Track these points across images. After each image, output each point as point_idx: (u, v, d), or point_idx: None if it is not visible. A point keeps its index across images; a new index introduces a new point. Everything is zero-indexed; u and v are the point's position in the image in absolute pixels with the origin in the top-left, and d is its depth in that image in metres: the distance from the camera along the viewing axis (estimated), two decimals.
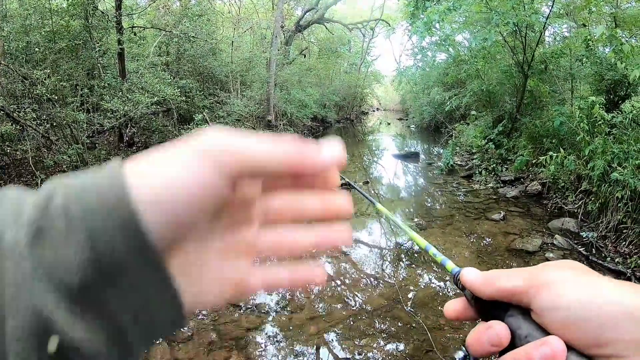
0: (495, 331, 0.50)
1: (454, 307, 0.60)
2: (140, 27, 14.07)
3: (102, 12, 11.53)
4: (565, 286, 0.47)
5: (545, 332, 0.48)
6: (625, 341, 0.43)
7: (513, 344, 0.50)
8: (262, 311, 5.22)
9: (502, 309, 0.52)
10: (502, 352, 0.50)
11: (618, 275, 6.10)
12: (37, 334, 0.31)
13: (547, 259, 6.65)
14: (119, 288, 0.34)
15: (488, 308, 0.55)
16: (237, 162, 0.38)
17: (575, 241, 7.30)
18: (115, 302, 0.34)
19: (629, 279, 5.93)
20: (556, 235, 7.48)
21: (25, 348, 0.31)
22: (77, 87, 10.43)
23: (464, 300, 0.59)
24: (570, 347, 0.46)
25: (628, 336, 0.43)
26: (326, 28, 29.52)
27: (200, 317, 5.03)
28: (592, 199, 7.91)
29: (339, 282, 6.13)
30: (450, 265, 0.64)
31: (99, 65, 11.08)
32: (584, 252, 6.82)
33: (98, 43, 10.96)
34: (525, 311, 0.51)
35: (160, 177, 0.36)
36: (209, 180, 0.37)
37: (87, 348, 0.33)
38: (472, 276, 0.56)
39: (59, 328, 0.32)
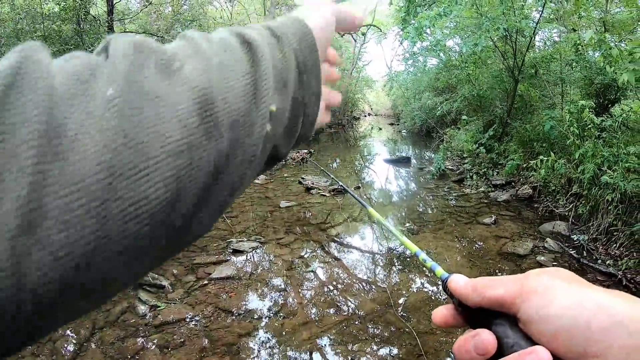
0: (481, 339, 0.50)
1: (442, 313, 0.61)
2: (132, 32, 14.01)
3: (94, 17, 11.51)
4: (552, 295, 0.48)
5: (532, 342, 0.48)
6: (615, 351, 0.42)
7: (500, 353, 0.49)
8: (254, 317, 5.21)
9: (489, 316, 0.52)
10: None
11: (609, 277, 6.15)
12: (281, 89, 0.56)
13: (539, 262, 6.70)
14: (302, 81, 0.60)
15: (476, 315, 0.55)
16: (341, 18, 0.74)
17: (566, 244, 7.34)
18: (300, 88, 0.60)
19: (620, 281, 5.97)
20: (547, 239, 7.52)
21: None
22: None
23: (452, 307, 0.59)
24: (557, 358, 0.45)
25: (617, 346, 0.42)
26: None
27: (192, 323, 5.01)
28: (583, 202, 7.96)
29: (331, 287, 6.13)
30: (439, 271, 0.65)
31: None
32: (575, 255, 6.85)
33: (90, 48, 10.91)
34: (512, 320, 0.50)
35: (319, 19, 0.67)
36: (333, 26, 0.71)
37: (282, 111, 0.56)
38: (460, 283, 0.58)
39: (273, 100, 0.53)
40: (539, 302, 0.48)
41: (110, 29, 11.22)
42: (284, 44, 0.58)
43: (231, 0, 21.45)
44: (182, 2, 15.77)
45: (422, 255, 0.71)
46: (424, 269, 6.70)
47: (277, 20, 0.64)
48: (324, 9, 0.70)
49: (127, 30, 14.02)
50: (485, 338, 0.50)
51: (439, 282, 0.66)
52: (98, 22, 11.29)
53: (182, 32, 0.53)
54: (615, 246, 6.78)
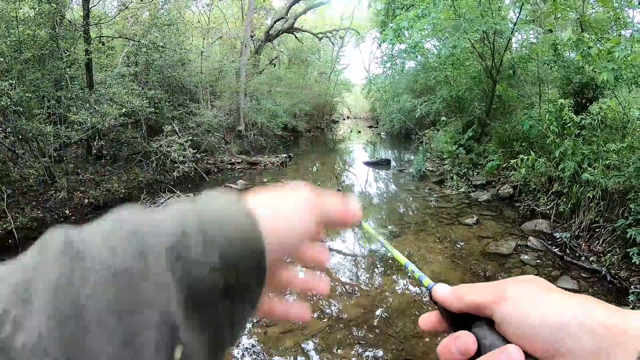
0: (462, 341, 0.53)
1: (428, 319, 0.63)
2: (109, 36, 13.80)
3: (70, 22, 11.29)
4: (524, 299, 0.51)
5: (507, 342, 0.51)
6: (579, 350, 0.46)
7: (479, 353, 0.52)
8: None
9: (470, 320, 0.56)
10: None
11: (593, 273, 6.17)
12: (169, 343, 0.36)
13: (522, 261, 6.71)
14: (231, 297, 0.42)
15: (458, 320, 0.57)
16: (324, 216, 0.56)
17: (549, 242, 7.35)
18: (223, 308, 0.42)
19: (604, 277, 5.99)
20: (530, 237, 7.53)
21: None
22: (44, 98, 10.13)
23: (437, 313, 0.62)
24: (529, 355, 0.49)
25: (581, 345, 0.46)
26: (296, 37, 29.57)
27: None
28: (564, 199, 7.99)
29: (314, 292, 6.03)
30: (426, 281, 0.66)
31: (66, 76, 10.78)
32: (558, 253, 6.87)
33: (65, 53, 10.66)
34: (490, 322, 0.53)
35: (280, 219, 0.50)
36: (309, 226, 0.53)
37: (193, 347, 0.38)
38: (443, 292, 0.60)
39: (181, 335, 0.37)
40: (511, 306, 0.51)
41: (86, 34, 11.01)
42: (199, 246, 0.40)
43: (209, 5, 21.29)
44: (159, 7, 15.62)
45: (411, 267, 0.71)
46: (408, 274, 6.65)
47: (210, 201, 0.46)
48: (296, 197, 0.54)
49: (103, 34, 13.82)
50: (465, 340, 0.53)
51: (425, 291, 0.71)
52: (74, 26, 11.08)
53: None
54: (598, 242, 6.81)
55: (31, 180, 9.17)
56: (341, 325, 5.16)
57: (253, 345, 4.81)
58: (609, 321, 0.46)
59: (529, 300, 0.51)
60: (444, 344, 0.55)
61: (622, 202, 6.54)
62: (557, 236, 7.47)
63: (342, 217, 0.58)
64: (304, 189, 0.56)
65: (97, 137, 11.60)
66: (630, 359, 0.44)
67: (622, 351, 0.44)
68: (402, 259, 0.74)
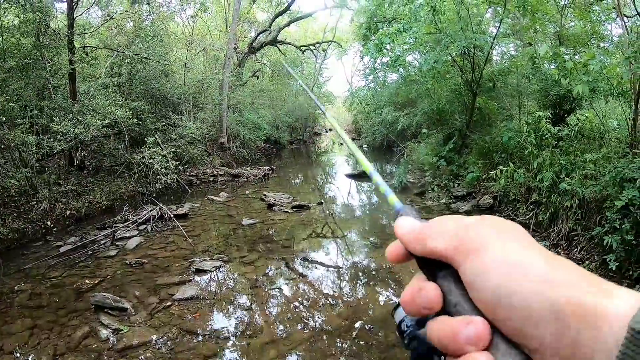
0: (426, 295, 0.49)
1: (394, 250, 0.56)
2: (93, 47, 13.74)
3: (54, 31, 11.23)
4: (490, 261, 0.44)
5: (473, 304, 0.46)
6: (546, 340, 0.40)
7: (444, 306, 0.49)
8: (220, 337, 5.09)
9: (436, 265, 0.50)
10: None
11: None
12: None
13: None
14: None
15: (423, 260, 0.52)
16: None
17: None
18: None
19: None
20: None
21: None
22: (27, 108, 10.05)
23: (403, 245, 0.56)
24: (496, 329, 0.44)
25: (549, 335, 0.40)
26: (279, 50, 29.64)
27: (157, 346, 4.86)
28: (543, 209, 8.12)
29: (297, 304, 6.06)
30: (392, 198, 0.60)
31: (49, 85, 10.73)
32: None
33: (49, 62, 10.61)
34: (457, 274, 0.48)
35: None
36: None
37: None
38: (405, 228, 0.54)
39: None
40: (476, 266, 0.45)
41: (71, 44, 10.96)
42: None
43: (193, 17, 21.30)
44: (144, 18, 15.61)
45: (376, 178, 0.65)
46: (390, 281, 6.71)
47: None
48: None
49: (87, 44, 13.76)
50: (430, 295, 0.49)
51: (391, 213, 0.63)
52: (58, 36, 11.03)
53: None
54: (577, 250, 6.93)
55: (12, 191, 9.08)
56: (324, 335, 5.18)
57: (236, 358, 4.81)
58: (582, 300, 0.39)
59: (490, 256, 0.45)
60: (408, 295, 0.51)
61: (599, 210, 6.66)
62: None
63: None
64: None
65: (79, 148, 11.53)
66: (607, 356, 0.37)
67: (598, 344, 0.38)
68: (368, 167, 0.69)
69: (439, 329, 0.47)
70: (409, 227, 0.54)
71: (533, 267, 0.43)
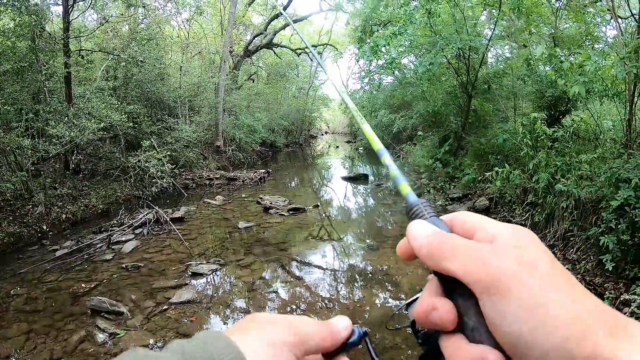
0: (441, 316, 0.47)
1: (403, 249, 0.54)
2: (88, 50, 13.68)
3: (50, 34, 11.18)
4: (514, 303, 0.42)
5: (491, 336, 0.44)
6: None
7: (459, 325, 0.47)
8: None
9: (453, 280, 0.47)
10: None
11: None
12: None
13: None
14: None
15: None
16: (303, 349, 0.49)
17: None
18: None
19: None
20: None
21: None
22: (22, 111, 10.00)
23: None
24: None
25: None
26: (274, 53, 29.70)
27: (154, 349, 4.82)
28: (539, 210, 8.14)
29: (294, 307, 6.06)
30: (405, 187, 0.58)
31: (45, 89, 10.70)
32: None
33: (45, 66, 10.55)
34: (474, 297, 0.45)
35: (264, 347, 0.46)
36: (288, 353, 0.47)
37: None
38: (419, 239, 0.51)
39: None
40: (498, 304, 0.42)
41: (66, 47, 10.94)
42: None
43: (188, 20, 21.30)
44: (139, 21, 15.58)
45: (386, 158, 0.63)
46: (387, 283, 6.71)
47: (195, 340, 0.44)
48: (271, 330, 0.49)
49: (83, 48, 13.72)
50: (444, 316, 0.47)
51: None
52: (54, 39, 10.99)
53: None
54: (573, 251, 6.94)
55: (8, 195, 9.05)
56: None
57: None
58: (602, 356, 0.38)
59: (522, 305, 0.41)
60: (421, 310, 0.49)
61: (595, 210, 6.68)
62: None
63: (327, 342, 0.52)
64: (273, 327, 0.49)
65: (75, 152, 11.48)
66: None
67: None
68: (376, 143, 0.67)
69: (455, 353, 0.46)
70: (424, 237, 0.50)
71: (557, 319, 0.40)
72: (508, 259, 0.44)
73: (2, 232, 8.17)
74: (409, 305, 0.59)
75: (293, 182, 17.92)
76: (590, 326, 0.39)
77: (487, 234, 0.48)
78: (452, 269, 0.46)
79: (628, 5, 8.34)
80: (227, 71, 20.71)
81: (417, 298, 0.55)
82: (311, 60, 35.44)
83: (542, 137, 8.15)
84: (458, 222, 0.53)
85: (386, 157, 0.62)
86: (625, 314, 4.43)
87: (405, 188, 0.57)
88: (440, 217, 0.54)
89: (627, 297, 5.16)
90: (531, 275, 0.43)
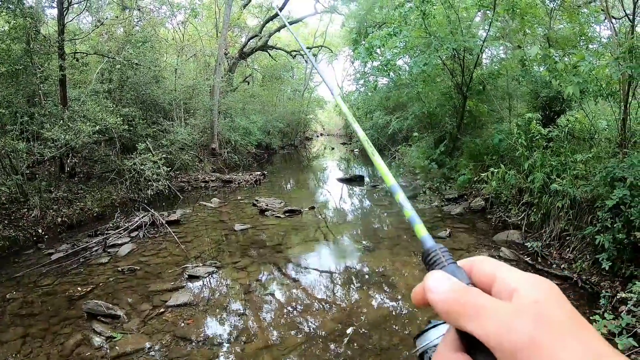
0: None
1: (419, 297, 0.52)
2: (83, 52, 13.61)
3: (45, 37, 11.15)
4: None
5: None
6: None
7: None
8: (214, 343, 5.06)
9: (472, 337, 0.46)
10: None
11: (565, 280, 6.30)
12: None
13: None
14: None
15: None
16: None
17: (521, 252, 7.50)
18: None
19: (575, 283, 6.13)
20: (502, 248, 7.66)
21: None
22: (17, 114, 9.96)
23: None
24: None
25: None
26: (269, 55, 29.70)
27: (151, 353, 4.82)
28: (534, 210, 8.17)
29: (290, 309, 6.04)
30: (420, 229, 0.55)
31: (39, 91, 10.67)
32: (530, 262, 7.01)
33: (39, 69, 10.52)
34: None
35: None
36: None
37: None
38: (439, 294, 0.49)
39: None
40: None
41: (61, 50, 10.91)
42: None
43: (183, 22, 21.27)
44: (134, 23, 15.57)
45: (400, 196, 0.61)
46: (383, 284, 6.70)
47: None
48: None
49: (78, 50, 13.69)
50: None
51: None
52: (49, 42, 10.97)
53: None
54: (569, 250, 6.97)
55: (3, 198, 9.01)
56: (318, 340, 5.16)
57: None
58: None
59: (538, 354, 0.40)
60: None
61: (590, 210, 6.71)
62: (529, 246, 7.62)
63: None
64: None
65: (70, 155, 11.44)
66: None
67: None
68: (389, 179, 0.66)
69: None
70: (442, 293, 0.49)
71: None
72: (528, 320, 0.43)
73: None
74: (418, 336, 0.58)
75: (289, 184, 17.91)
76: None
77: (507, 285, 0.47)
78: (472, 330, 0.45)
79: (622, 5, 8.38)
80: (222, 73, 20.69)
81: (427, 329, 0.55)
82: (306, 62, 35.47)
83: (537, 137, 8.19)
84: (476, 269, 0.52)
85: (400, 195, 0.61)
86: (621, 312, 4.45)
87: (421, 231, 0.55)
88: (459, 264, 0.53)
89: (623, 295, 5.18)
90: (556, 339, 0.41)
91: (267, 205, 11.60)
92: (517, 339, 0.42)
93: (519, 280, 0.47)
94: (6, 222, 8.70)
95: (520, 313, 0.43)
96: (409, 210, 0.59)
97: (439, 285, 0.49)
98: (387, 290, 6.53)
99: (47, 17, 12.79)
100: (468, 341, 0.47)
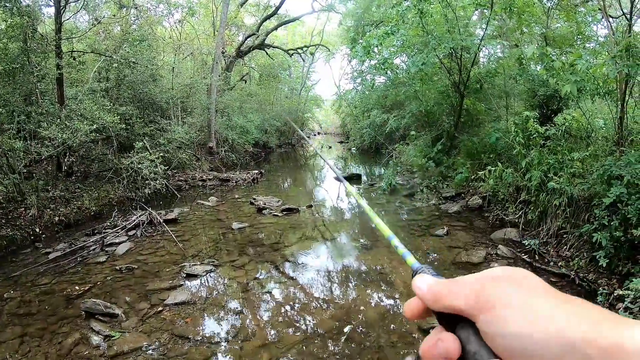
0: (445, 345, 0.52)
1: (413, 307, 0.60)
2: (80, 51, 13.54)
3: (42, 35, 11.10)
4: (507, 311, 0.47)
5: (492, 352, 0.49)
6: None
7: (463, 356, 0.51)
8: (212, 342, 5.07)
9: (454, 318, 0.54)
10: None
11: (562, 277, 6.33)
12: None
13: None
14: None
15: (442, 314, 0.56)
16: None
17: (518, 250, 7.52)
18: None
19: (573, 281, 6.16)
20: (499, 246, 7.68)
21: None
22: (14, 113, 9.93)
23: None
24: None
25: None
26: (267, 54, 29.62)
27: (149, 352, 4.82)
28: (532, 208, 8.19)
29: (288, 307, 6.05)
30: (410, 259, 0.66)
31: (37, 90, 10.62)
32: (527, 260, 7.04)
33: (36, 67, 10.46)
34: (475, 326, 0.51)
35: None
36: None
37: None
38: (424, 288, 0.58)
39: None
40: (494, 318, 0.48)
41: (58, 48, 10.88)
42: None
43: (180, 21, 21.22)
44: (131, 22, 15.52)
45: (395, 241, 0.71)
46: (381, 283, 6.72)
47: None
48: None
49: (75, 49, 13.64)
50: (449, 345, 0.52)
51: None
52: (46, 40, 10.92)
53: None
54: (566, 248, 6.99)
55: (0, 198, 8.99)
56: (316, 338, 5.16)
57: None
58: (594, 333, 0.42)
59: (514, 315, 0.47)
60: (427, 345, 0.54)
61: (588, 208, 6.74)
62: (526, 243, 7.64)
63: None
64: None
65: (67, 154, 11.41)
66: None
67: None
68: (386, 231, 0.75)
69: None
70: (428, 285, 0.58)
71: (547, 313, 0.46)
72: (502, 285, 0.51)
73: None
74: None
75: (286, 183, 17.92)
76: (583, 314, 0.45)
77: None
78: (456, 304, 0.53)
79: (619, 4, 8.40)
80: (220, 72, 20.66)
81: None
82: (303, 60, 35.44)
83: (534, 136, 8.21)
84: None
85: (395, 241, 0.72)
86: (619, 309, 4.47)
87: (411, 260, 0.65)
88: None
89: (620, 292, 5.20)
90: (523, 292, 0.49)
91: (264, 204, 11.60)
92: (489, 292, 0.51)
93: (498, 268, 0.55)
94: (3, 221, 8.68)
95: (494, 278, 0.53)
96: (402, 249, 0.69)
97: (422, 282, 0.59)
98: (385, 288, 6.54)
99: (44, 15, 12.71)
100: (450, 324, 0.54)
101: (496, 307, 0.48)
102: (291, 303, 6.20)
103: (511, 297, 0.49)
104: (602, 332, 0.41)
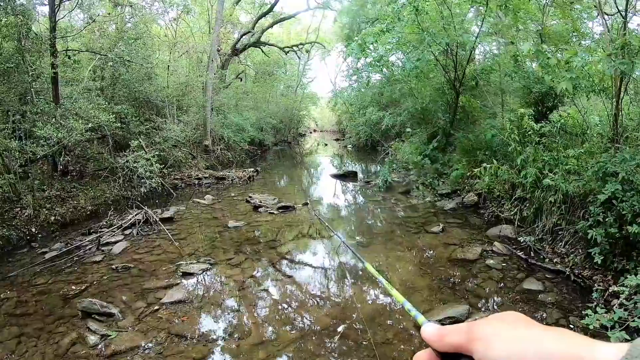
0: None
1: (423, 357, 0.67)
2: (75, 50, 13.48)
3: (36, 34, 11.04)
4: (496, 340, 0.55)
5: None
6: None
7: None
8: (209, 340, 5.07)
9: (457, 357, 0.61)
10: None
11: (557, 274, 6.36)
12: None
13: (488, 266, 6.86)
14: None
15: (447, 357, 0.64)
16: None
17: (514, 246, 7.54)
18: None
19: (568, 277, 6.19)
20: (495, 243, 7.70)
21: None
22: (9, 113, 9.91)
23: (430, 351, 0.67)
24: None
25: None
26: (262, 51, 29.60)
27: (146, 351, 4.82)
28: (527, 205, 8.22)
29: (285, 305, 6.06)
30: (421, 319, 0.74)
31: (31, 89, 10.57)
32: (523, 256, 7.05)
33: (31, 66, 10.42)
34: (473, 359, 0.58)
35: None
36: None
37: None
38: (429, 332, 0.66)
39: None
40: (487, 346, 0.55)
41: (53, 47, 10.82)
42: None
43: (176, 19, 21.16)
44: (126, 20, 15.47)
45: (408, 305, 0.83)
46: (377, 283, 6.72)
47: None
48: None
49: (70, 48, 13.59)
50: None
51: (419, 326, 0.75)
52: (40, 39, 10.87)
53: None
54: (561, 244, 7.02)
55: None
56: (313, 335, 5.17)
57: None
58: (569, 351, 0.48)
59: (502, 342, 0.54)
60: None
61: (583, 204, 6.76)
62: (522, 240, 7.67)
63: None
64: None
65: (63, 153, 11.37)
66: None
67: None
68: (400, 298, 0.87)
69: None
70: (432, 329, 0.66)
71: (535, 337, 0.52)
72: (491, 321, 0.59)
73: None
74: None
75: (282, 181, 17.93)
76: (562, 339, 0.51)
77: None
78: (454, 339, 0.61)
79: (614, 1, 8.41)
80: (215, 70, 20.61)
81: None
82: (299, 58, 35.40)
83: (529, 133, 8.22)
84: None
85: (407, 305, 0.84)
86: (614, 305, 4.49)
87: (422, 319, 0.73)
88: None
89: (615, 289, 5.22)
90: (510, 327, 0.57)
91: (260, 202, 11.60)
92: (484, 329, 0.57)
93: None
94: None
95: (487, 321, 0.60)
96: (414, 312, 0.80)
97: (430, 328, 0.66)
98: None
99: (39, 14, 12.68)
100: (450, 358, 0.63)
101: (489, 338, 0.55)
102: (287, 301, 6.20)
103: (501, 329, 0.56)
104: (580, 352, 0.47)
